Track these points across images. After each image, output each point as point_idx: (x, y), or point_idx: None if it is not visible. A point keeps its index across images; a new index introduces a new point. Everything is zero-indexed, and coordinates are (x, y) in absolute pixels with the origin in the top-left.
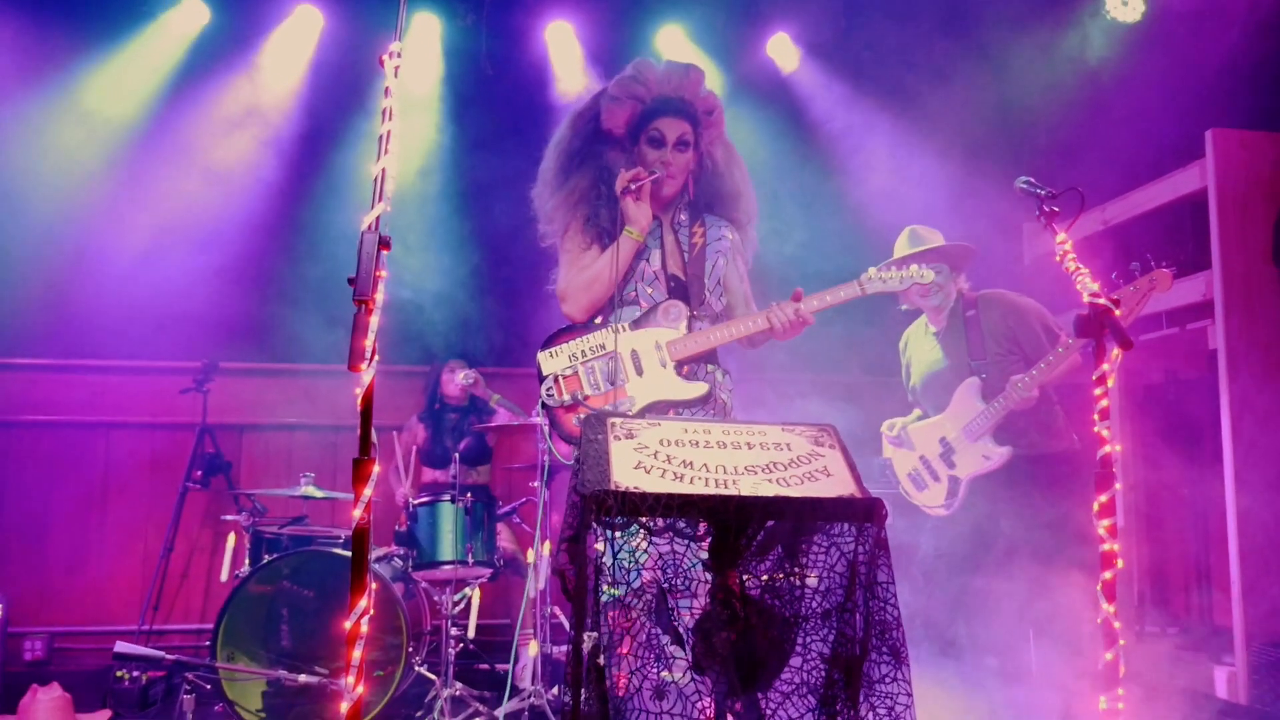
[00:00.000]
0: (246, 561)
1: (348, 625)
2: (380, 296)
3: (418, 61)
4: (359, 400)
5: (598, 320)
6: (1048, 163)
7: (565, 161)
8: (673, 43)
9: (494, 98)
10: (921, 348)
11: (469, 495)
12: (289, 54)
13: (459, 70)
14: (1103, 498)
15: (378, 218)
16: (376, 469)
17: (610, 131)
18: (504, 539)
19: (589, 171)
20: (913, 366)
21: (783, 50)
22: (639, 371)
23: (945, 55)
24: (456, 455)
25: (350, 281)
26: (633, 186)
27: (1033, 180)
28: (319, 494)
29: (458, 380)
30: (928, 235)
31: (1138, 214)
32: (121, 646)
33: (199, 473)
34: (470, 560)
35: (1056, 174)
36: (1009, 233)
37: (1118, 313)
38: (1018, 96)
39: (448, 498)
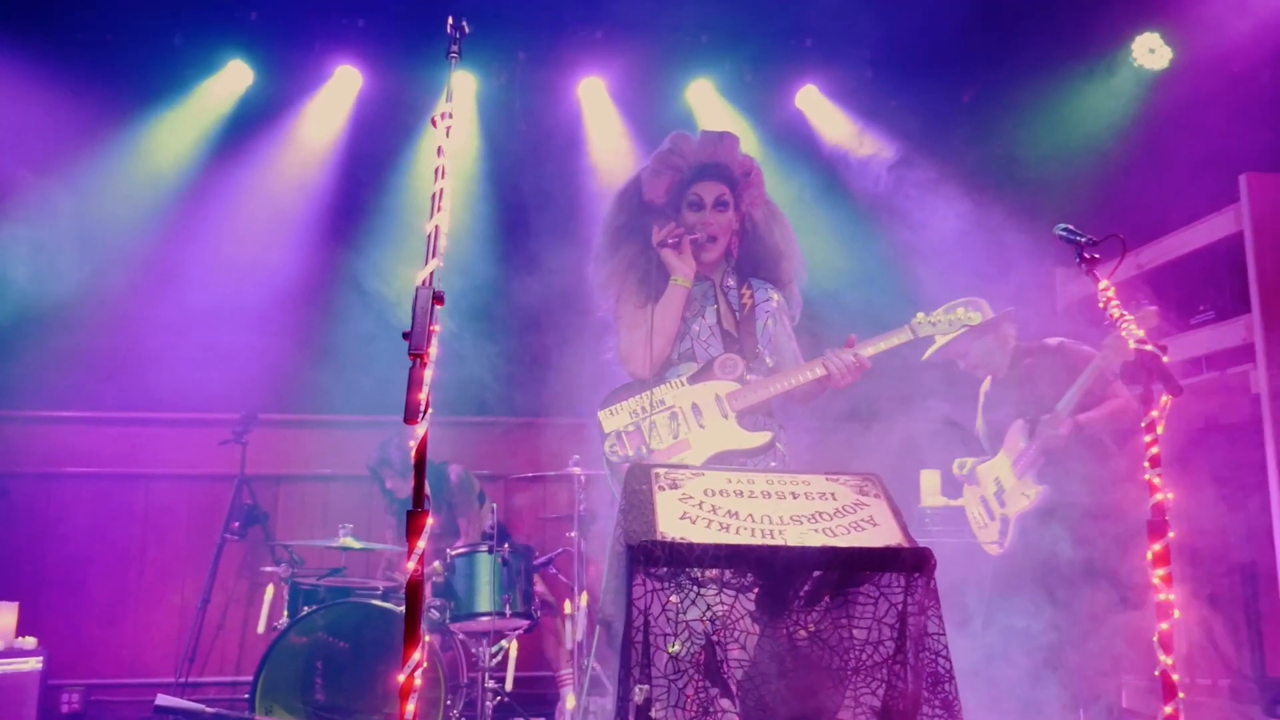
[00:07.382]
0: (285, 613)
1: (401, 678)
2: (434, 351)
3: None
4: (413, 453)
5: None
6: (1079, 210)
7: (614, 236)
8: (703, 96)
9: (528, 154)
10: (985, 395)
11: (506, 546)
12: (329, 114)
13: (494, 127)
14: (1157, 546)
15: (431, 273)
16: (430, 521)
17: (652, 202)
18: (539, 587)
19: (636, 241)
20: (981, 412)
21: (811, 102)
22: (700, 424)
23: (973, 105)
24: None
25: (405, 336)
26: (670, 241)
27: (1071, 227)
28: (357, 545)
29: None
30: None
31: (1173, 259)
32: (163, 699)
33: (237, 524)
34: (508, 612)
35: (1089, 221)
36: (1042, 280)
37: (1165, 359)
38: (1047, 144)
39: (485, 549)
